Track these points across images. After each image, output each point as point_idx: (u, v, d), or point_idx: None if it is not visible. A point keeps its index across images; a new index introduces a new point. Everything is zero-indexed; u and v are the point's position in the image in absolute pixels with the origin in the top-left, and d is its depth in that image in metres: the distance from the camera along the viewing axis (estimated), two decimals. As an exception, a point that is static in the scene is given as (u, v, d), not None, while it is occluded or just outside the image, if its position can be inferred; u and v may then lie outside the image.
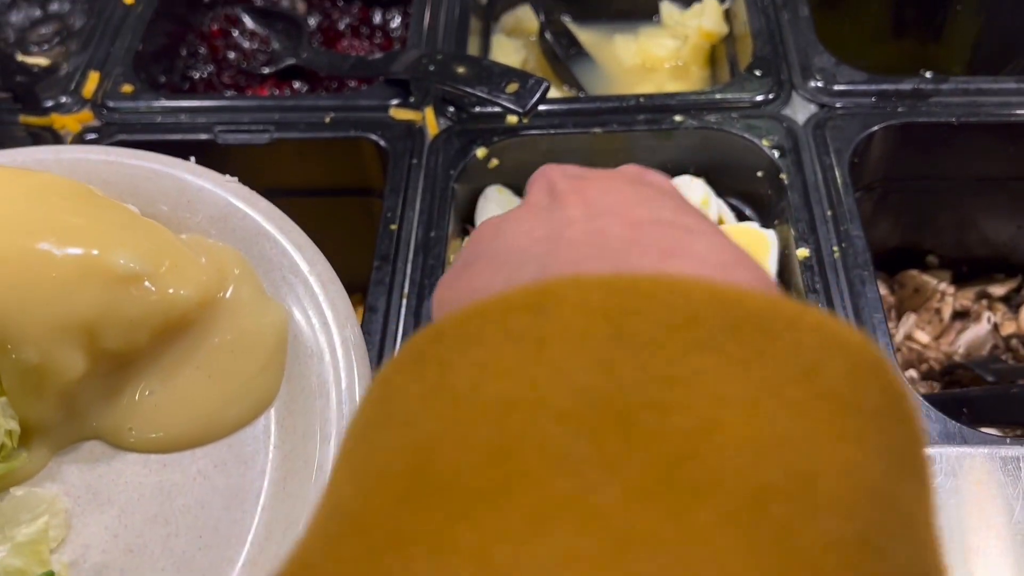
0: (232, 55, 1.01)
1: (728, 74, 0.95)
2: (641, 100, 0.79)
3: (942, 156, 0.79)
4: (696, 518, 0.18)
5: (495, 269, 0.30)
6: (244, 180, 0.86)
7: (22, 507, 0.44)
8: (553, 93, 0.99)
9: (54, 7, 1.10)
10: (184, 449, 0.47)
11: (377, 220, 0.76)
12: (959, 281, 0.89)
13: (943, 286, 0.86)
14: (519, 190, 0.82)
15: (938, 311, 0.86)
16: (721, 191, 0.80)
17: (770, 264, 0.72)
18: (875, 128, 0.76)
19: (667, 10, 1.06)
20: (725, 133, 0.77)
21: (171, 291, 0.48)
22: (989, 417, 0.68)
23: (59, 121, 0.84)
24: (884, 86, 0.79)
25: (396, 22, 1.07)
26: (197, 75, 0.99)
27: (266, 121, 0.82)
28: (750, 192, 0.79)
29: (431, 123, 0.81)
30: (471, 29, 0.93)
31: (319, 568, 0.20)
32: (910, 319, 0.85)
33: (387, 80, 0.84)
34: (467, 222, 0.80)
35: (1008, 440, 0.57)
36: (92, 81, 0.87)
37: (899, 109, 0.77)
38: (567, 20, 1.05)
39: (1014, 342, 0.84)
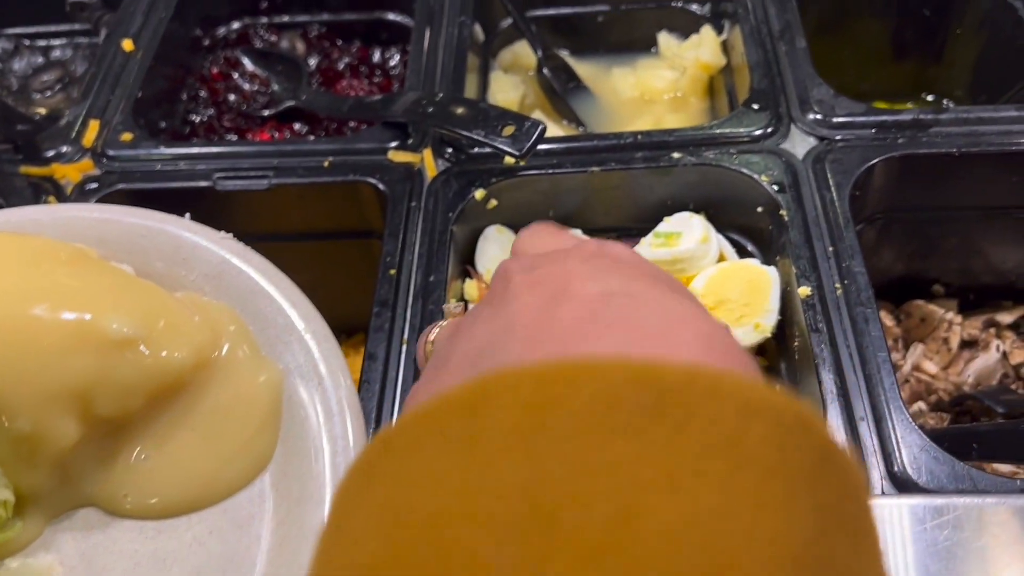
0: (232, 98, 1.02)
1: (727, 105, 0.95)
2: (639, 138, 0.79)
3: (944, 186, 0.78)
4: None
5: (456, 372, 0.30)
6: (244, 225, 0.86)
7: (18, 579, 0.44)
8: (552, 127, 0.99)
9: (56, 54, 1.11)
10: (179, 515, 0.47)
11: (378, 261, 0.76)
12: (966, 309, 0.88)
13: (950, 315, 0.85)
14: (518, 229, 0.82)
15: (946, 340, 0.85)
16: (722, 227, 0.79)
17: (772, 301, 0.71)
18: (875, 160, 0.75)
19: (665, 41, 1.06)
20: (724, 169, 0.76)
21: (165, 354, 0.48)
22: (1000, 453, 0.67)
23: (60, 171, 0.84)
24: (883, 117, 0.78)
25: (395, 60, 1.07)
26: (198, 119, 1.00)
27: (265, 167, 0.82)
28: (751, 227, 0.78)
29: (430, 165, 0.81)
30: (469, 66, 0.93)
31: None
32: (918, 349, 0.84)
33: (385, 122, 0.84)
34: (467, 263, 0.79)
35: (1020, 482, 0.56)
36: (92, 130, 0.87)
37: (899, 140, 0.76)
38: (565, 54, 1.05)
39: (1024, 371, 0.83)
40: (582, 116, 1.00)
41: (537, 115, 0.99)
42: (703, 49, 0.97)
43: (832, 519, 0.22)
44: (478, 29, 0.99)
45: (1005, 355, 0.84)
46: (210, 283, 0.54)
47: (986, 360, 0.83)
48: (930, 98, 1.11)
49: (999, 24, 0.99)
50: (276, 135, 0.97)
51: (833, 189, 0.73)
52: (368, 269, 0.78)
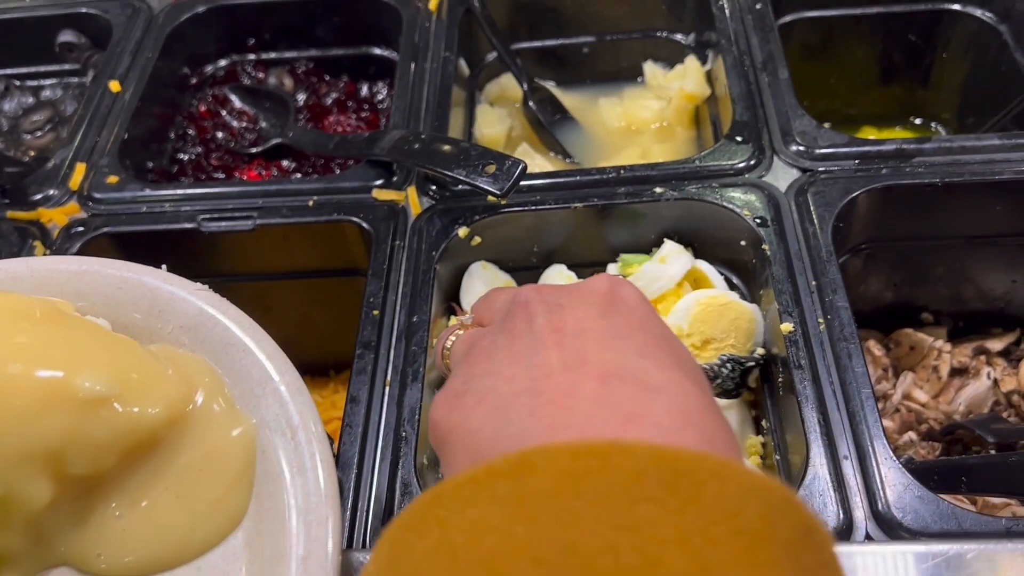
0: (221, 135, 1.02)
1: (712, 135, 0.95)
2: (622, 172, 0.79)
3: (929, 216, 0.78)
4: None
5: (483, 416, 0.36)
6: (230, 266, 0.86)
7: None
8: (539, 160, 0.99)
9: (47, 94, 1.12)
10: (153, 574, 0.47)
11: (364, 299, 0.76)
12: (955, 337, 0.87)
13: (939, 343, 0.85)
14: (503, 265, 0.82)
15: (936, 368, 0.84)
16: (707, 260, 0.79)
17: (757, 340, 0.71)
18: (858, 192, 0.75)
19: (651, 71, 1.06)
20: (706, 203, 0.76)
21: (138, 410, 0.48)
22: (989, 487, 0.67)
23: (46, 215, 0.84)
24: (866, 148, 0.78)
25: (382, 94, 1.08)
26: (186, 157, 1.00)
27: (249, 207, 0.82)
28: (736, 260, 0.78)
29: (414, 202, 0.81)
30: (455, 100, 0.94)
31: None
32: (907, 378, 0.84)
33: (370, 160, 0.85)
34: (452, 300, 0.79)
35: (1005, 520, 0.55)
36: (79, 172, 0.87)
37: (882, 171, 0.76)
38: (551, 85, 1.06)
39: (1015, 398, 0.82)
40: (569, 147, 1.00)
41: (524, 148, 1.00)
42: (688, 79, 0.97)
43: None
44: (463, 64, 1.00)
45: (996, 382, 0.83)
46: (186, 335, 0.54)
47: (977, 388, 0.83)
48: (918, 122, 1.11)
49: (985, 48, 1.00)
50: (264, 172, 0.98)
51: (816, 222, 0.73)
52: (354, 306, 0.78)
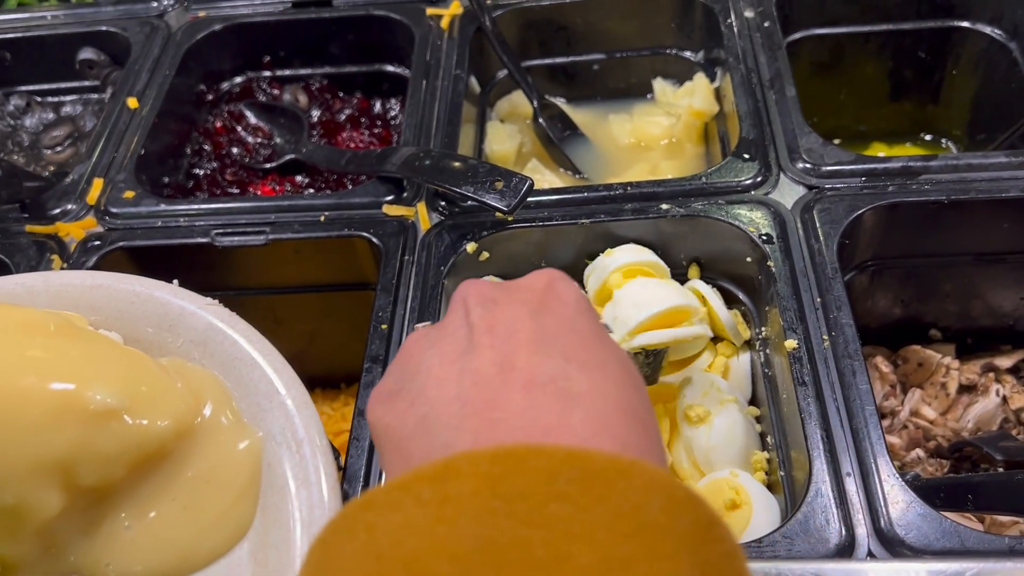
0: (236, 151, 1.04)
1: (720, 151, 0.96)
2: (628, 189, 0.80)
3: (936, 233, 0.78)
4: None
5: (415, 424, 0.37)
6: (242, 279, 0.88)
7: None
8: (549, 176, 1.00)
9: (67, 110, 1.14)
10: (159, 584, 0.48)
11: (373, 313, 0.77)
12: (964, 354, 0.87)
13: (948, 360, 0.85)
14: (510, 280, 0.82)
15: (944, 385, 0.84)
16: (714, 276, 0.80)
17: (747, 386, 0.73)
18: (864, 209, 0.75)
19: (660, 88, 1.07)
20: (712, 220, 0.77)
21: (147, 423, 0.49)
22: (996, 505, 0.67)
23: (64, 229, 0.86)
24: (873, 165, 0.78)
25: (395, 111, 1.09)
26: (201, 172, 1.02)
27: (262, 223, 0.84)
28: (742, 276, 0.78)
29: (424, 218, 0.82)
30: (466, 117, 0.95)
31: None
32: (915, 395, 0.84)
33: (381, 176, 0.86)
34: (460, 316, 0.80)
35: (1008, 539, 0.55)
36: (96, 188, 0.89)
37: (889, 188, 0.77)
38: (562, 102, 1.07)
39: (1024, 415, 0.82)
40: (579, 163, 1.01)
41: (534, 163, 1.01)
42: (696, 97, 0.98)
43: (711, 572, 0.29)
44: (474, 81, 1.01)
45: (1005, 400, 0.83)
46: (196, 349, 0.55)
47: (985, 405, 0.83)
48: (928, 138, 1.11)
49: (994, 64, 1.00)
50: (278, 188, 0.99)
51: (821, 239, 0.73)
52: (364, 320, 0.79)
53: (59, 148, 1.10)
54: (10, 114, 1.13)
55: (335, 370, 1.01)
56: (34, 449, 0.46)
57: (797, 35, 0.99)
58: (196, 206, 0.86)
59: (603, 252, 0.79)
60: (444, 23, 1.02)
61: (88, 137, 1.08)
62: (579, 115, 1.06)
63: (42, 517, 0.47)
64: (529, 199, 0.74)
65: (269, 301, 0.90)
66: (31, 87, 1.14)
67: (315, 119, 1.07)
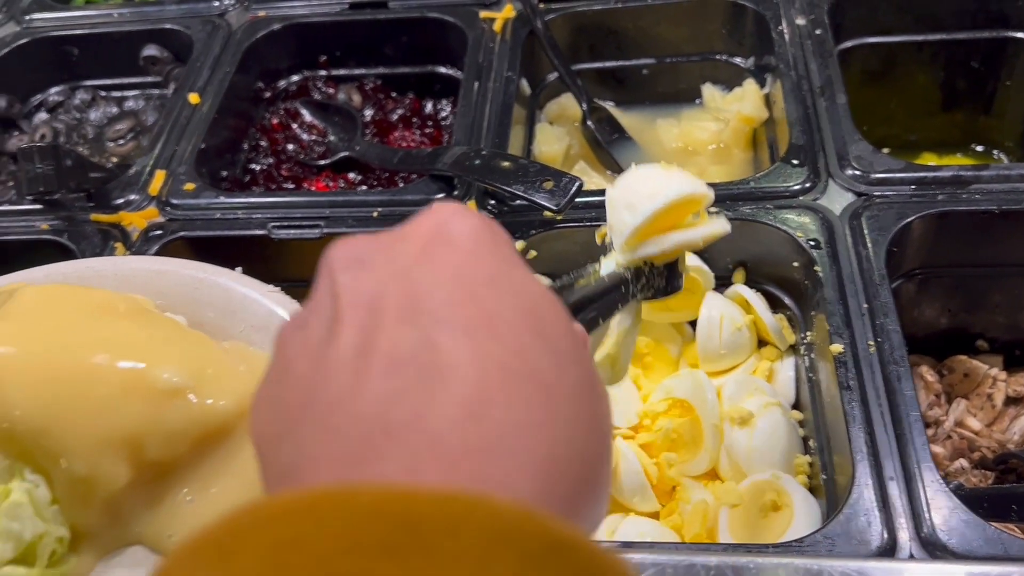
0: (291, 147, 1.07)
1: (768, 157, 0.96)
2: (676, 192, 0.81)
3: (986, 243, 0.78)
4: None
5: (269, 436, 0.31)
6: (297, 272, 0.90)
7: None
8: (596, 178, 1.01)
9: (129, 104, 1.18)
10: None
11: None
12: (1012, 366, 0.87)
13: (995, 371, 0.84)
14: (556, 279, 0.84)
15: (990, 397, 0.84)
16: (760, 280, 0.80)
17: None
18: (913, 217, 0.75)
19: (709, 93, 1.07)
20: (760, 224, 0.77)
21: (211, 402, 0.51)
22: (1040, 516, 0.66)
23: (127, 219, 0.89)
24: (923, 173, 0.79)
25: (446, 111, 1.11)
26: (258, 168, 1.05)
27: (317, 216, 0.86)
28: (788, 280, 0.79)
29: (473, 216, 0.84)
30: (515, 119, 0.96)
31: None
32: (960, 405, 0.83)
33: (433, 174, 0.88)
34: (507, 313, 0.82)
35: (1051, 547, 0.55)
36: (158, 179, 0.92)
37: (939, 197, 0.77)
38: (610, 105, 1.08)
39: (1072, 430, 0.81)
40: (626, 167, 1.02)
41: (581, 165, 1.02)
42: (746, 102, 0.99)
43: None
44: (524, 83, 1.03)
45: (1053, 413, 0.82)
46: (258, 334, 0.57)
47: (1033, 418, 0.82)
48: (980, 149, 1.10)
49: (1049, 76, 0.99)
50: (331, 184, 1.02)
51: (869, 246, 0.74)
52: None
53: (122, 141, 1.14)
54: (76, 107, 1.17)
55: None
56: (105, 423, 0.48)
57: (849, 43, 0.99)
58: (253, 199, 0.89)
59: (648, 254, 0.80)
60: (497, 26, 1.04)
61: (149, 131, 1.12)
62: (627, 119, 1.07)
63: (111, 488, 0.49)
64: (577, 199, 0.76)
65: (320, 294, 0.92)
66: (96, 82, 1.18)
67: (368, 118, 1.09)
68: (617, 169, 1.01)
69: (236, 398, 0.52)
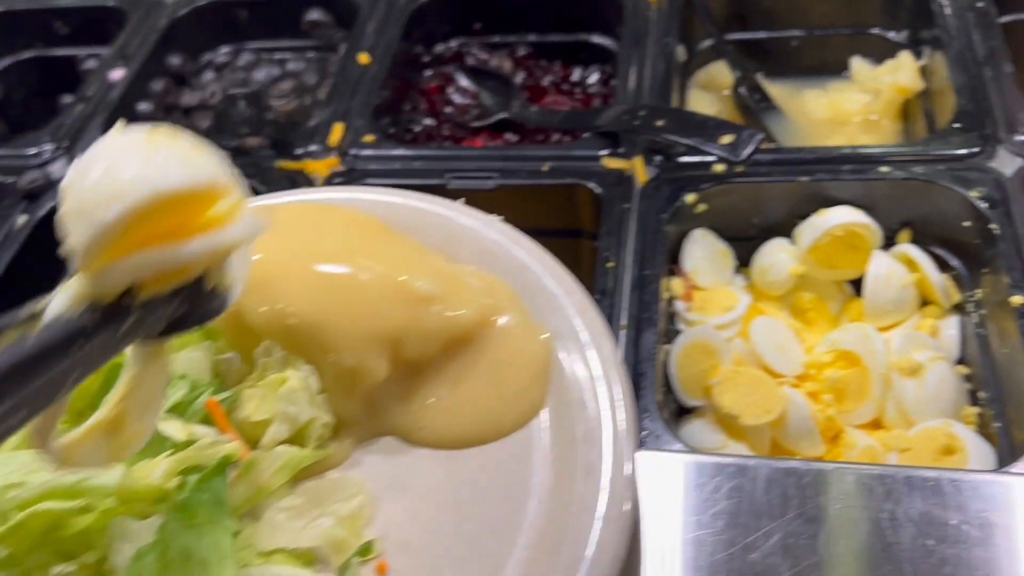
0: (448, 110, 1.12)
1: (923, 128, 0.98)
2: (845, 151, 0.84)
3: None
4: None
5: None
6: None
7: (339, 488, 0.52)
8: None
9: (291, 66, 1.25)
10: (467, 447, 0.55)
11: (584, 260, 0.83)
12: None
13: None
14: (722, 234, 0.87)
15: None
16: (926, 240, 0.82)
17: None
18: (1087, 180, 0.77)
19: (858, 66, 1.09)
20: (932, 184, 0.80)
21: (456, 310, 0.56)
22: None
23: (310, 166, 0.96)
24: (1095, 139, 0.80)
25: (594, 79, 1.15)
26: (417, 128, 1.11)
27: (490, 169, 0.91)
28: (955, 241, 0.81)
29: (640, 171, 0.88)
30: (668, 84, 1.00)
31: None
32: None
33: (598, 132, 0.92)
34: (673, 262, 0.86)
35: None
36: (337, 131, 0.98)
37: (1112, 162, 0.78)
38: (757, 76, 1.11)
39: None
40: (774, 135, 1.05)
41: (731, 132, 1.05)
42: (901, 73, 1.00)
43: None
44: (681, 50, 1.06)
45: None
46: (482, 258, 0.62)
47: None
48: None
49: None
50: (490, 143, 1.07)
51: (1043, 206, 0.75)
52: (578, 264, 0.85)
53: (284, 100, 1.20)
54: (241, 68, 1.24)
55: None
56: (371, 323, 0.54)
57: (1010, 17, 1.00)
58: (430, 152, 0.95)
59: (815, 213, 0.83)
60: (653, -5, 1.07)
61: (312, 92, 1.19)
62: (773, 89, 1.10)
63: (372, 381, 0.55)
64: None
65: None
66: (259, 44, 1.25)
67: (519, 84, 1.14)
68: (768, 136, 1.04)
69: (476, 308, 0.57)
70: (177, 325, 0.40)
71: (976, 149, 0.82)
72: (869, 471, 0.55)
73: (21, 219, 0.97)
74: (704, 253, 0.86)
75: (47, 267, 1.01)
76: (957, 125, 0.84)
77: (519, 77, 1.15)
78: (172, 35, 1.20)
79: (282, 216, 0.59)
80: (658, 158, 0.88)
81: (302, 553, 0.50)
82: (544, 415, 0.55)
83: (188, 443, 0.50)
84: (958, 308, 0.81)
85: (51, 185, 1.00)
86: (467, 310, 0.57)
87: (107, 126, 1.06)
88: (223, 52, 1.25)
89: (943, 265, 0.83)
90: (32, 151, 1.05)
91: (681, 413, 0.80)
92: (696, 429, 0.78)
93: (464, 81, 1.15)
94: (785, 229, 0.86)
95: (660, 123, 0.85)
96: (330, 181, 0.94)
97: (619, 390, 0.53)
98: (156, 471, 0.48)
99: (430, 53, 1.17)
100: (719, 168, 0.85)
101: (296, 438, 0.54)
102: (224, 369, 0.57)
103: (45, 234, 0.97)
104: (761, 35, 1.11)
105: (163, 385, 0.42)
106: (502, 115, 1.08)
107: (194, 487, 0.47)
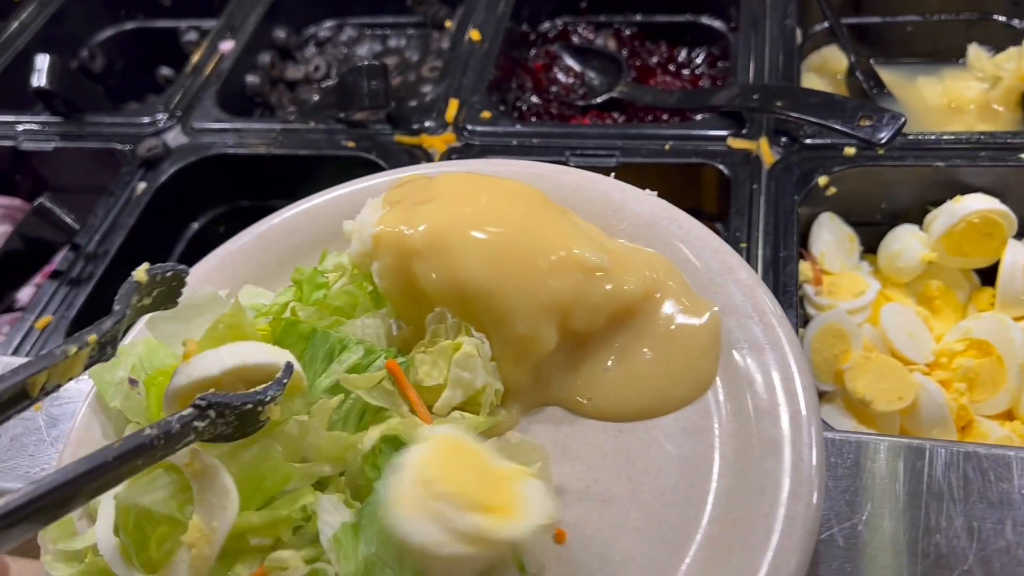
0: (554, 88, 1.12)
1: (1049, 116, 0.96)
2: (982, 137, 0.82)
3: None
4: None
5: None
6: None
7: (520, 451, 0.52)
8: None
9: (392, 43, 1.25)
10: (635, 420, 0.55)
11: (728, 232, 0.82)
12: None
13: None
14: (849, 218, 0.86)
15: None
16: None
17: None
18: None
19: (975, 52, 1.07)
20: (1076, 172, 0.78)
21: (621, 284, 0.56)
22: None
23: (428, 141, 0.96)
24: None
25: (700, 59, 1.14)
26: (524, 106, 1.10)
27: (610, 147, 0.91)
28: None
29: (766, 152, 0.87)
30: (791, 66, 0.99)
31: None
32: None
33: (720, 113, 0.91)
34: (802, 245, 0.85)
35: None
36: (452, 107, 0.99)
37: None
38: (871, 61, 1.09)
39: None
40: (888, 120, 1.03)
41: (846, 117, 1.03)
42: (1026, 60, 0.98)
43: None
44: (798, 32, 1.04)
45: None
46: (640, 232, 0.62)
47: None
48: None
49: None
50: (598, 123, 1.06)
51: None
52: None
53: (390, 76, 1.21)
54: (343, 43, 1.25)
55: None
56: (544, 292, 0.54)
57: None
58: (548, 128, 0.94)
59: (949, 199, 0.81)
60: (769, -24, 1.06)
61: (414, 67, 1.19)
62: (885, 75, 1.08)
63: (542, 350, 0.55)
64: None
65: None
66: (362, 19, 1.26)
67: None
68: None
69: (639, 282, 0.57)
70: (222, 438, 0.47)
71: (1120, 137, 0.80)
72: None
73: (140, 186, 0.98)
74: (832, 237, 0.85)
75: (167, 232, 1.03)
76: (1098, 113, 0.82)
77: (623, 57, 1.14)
78: (277, 8, 1.21)
79: (449, 184, 0.60)
80: (783, 139, 0.87)
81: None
82: (719, 389, 0.55)
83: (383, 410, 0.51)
84: (1097, 298, 0.79)
85: (168, 153, 1.02)
86: (633, 284, 0.56)
87: (218, 97, 1.08)
88: (326, 27, 1.26)
89: (1080, 254, 0.81)
90: (146, 120, 1.06)
91: (811, 397, 0.79)
92: (826, 414, 0.78)
93: (569, 60, 1.14)
94: (912, 215, 0.85)
95: (779, 103, 0.84)
96: (447, 157, 0.94)
97: (794, 368, 0.52)
98: (366, 440, 0.49)
99: (536, 31, 1.17)
100: (850, 151, 0.84)
101: (469, 404, 0.54)
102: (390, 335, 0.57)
103: (164, 199, 0.99)
104: (875, 20, 1.10)
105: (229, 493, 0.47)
106: (610, 95, 1.07)
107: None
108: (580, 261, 0.55)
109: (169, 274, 0.52)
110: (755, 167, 0.86)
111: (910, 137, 0.84)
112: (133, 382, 0.54)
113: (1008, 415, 0.78)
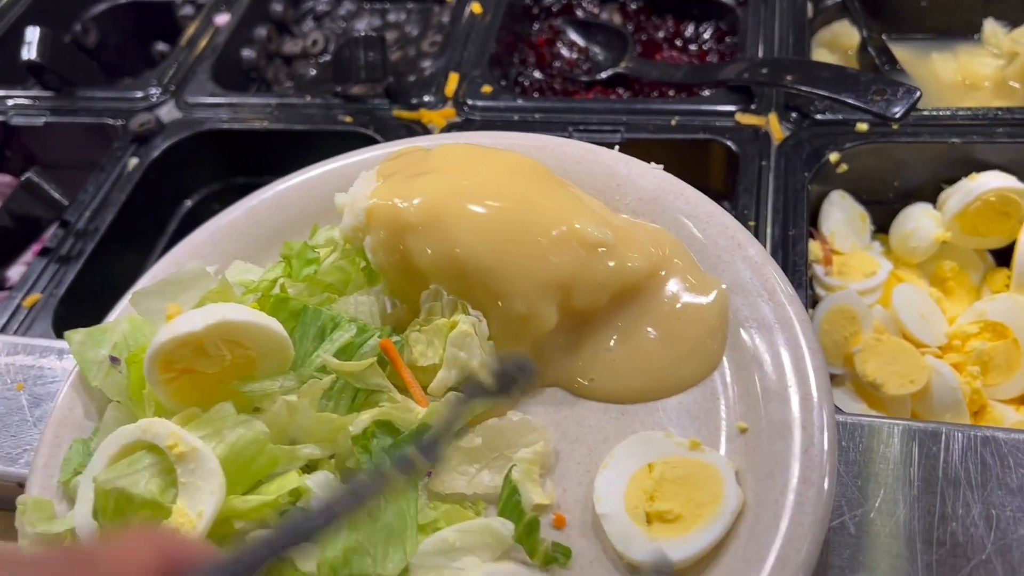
0: (557, 64, 1.09)
1: (1070, 92, 0.93)
2: (999, 113, 0.79)
3: None
4: None
5: None
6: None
7: (521, 431, 0.50)
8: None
9: (391, 17, 1.22)
10: (638, 402, 0.53)
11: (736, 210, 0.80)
12: None
13: None
14: (859, 197, 0.84)
15: None
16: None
17: None
18: None
19: (991, 28, 1.04)
20: (1096, 149, 0.75)
21: (624, 260, 0.54)
22: None
23: (427, 116, 0.93)
24: None
25: (708, 34, 1.11)
26: (526, 81, 1.08)
27: (615, 123, 0.88)
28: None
29: (775, 128, 0.84)
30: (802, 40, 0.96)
31: None
32: None
33: (728, 88, 0.88)
34: (811, 224, 0.82)
35: None
36: (452, 81, 0.96)
37: None
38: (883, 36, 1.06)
39: None
40: (901, 97, 1.00)
41: (857, 93, 1.01)
42: (1046, 35, 0.95)
43: None
44: (809, 6, 1.02)
45: None
46: (646, 206, 0.59)
47: None
48: None
49: None
50: (602, 98, 1.03)
51: None
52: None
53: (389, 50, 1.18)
54: (342, 17, 1.22)
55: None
56: (544, 268, 0.52)
57: None
58: (551, 103, 0.92)
59: (964, 177, 0.79)
60: (779, -52, 1.03)
61: (414, 42, 1.16)
62: (898, 50, 1.05)
63: (542, 329, 0.53)
64: (890, 115, 0.75)
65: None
66: (360, -7, 1.23)
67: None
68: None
69: (644, 258, 0.55)
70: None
71: None
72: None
73: (132, 161, 0.96)
74: (843, 216, 0.83)
75: (160, 210, 1.01)
76: (1120, 88, 0.79)
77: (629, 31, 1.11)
78: (275, -19, 1.18)
79: (447, 156, 0.58)
80: (793, 115, 0.85)
81: (478, 499, 0.49)
82: (726, 370, 0.52)
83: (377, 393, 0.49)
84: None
85: (161, 128, 0.99)
86: (638, 260, 0.54)
87: (213, 71, 1.05)
88: (324, 0, 1.23)
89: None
90: (139, 94, 1.04)
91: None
92: (835, 398, 0.75)
93: (573, 35, 1.11)
94: (925, 193, 0.83)
95: (789, 77, 0.82)
96: (447, 132, 0.91)
97: (805, 348, 0.50)
98: (357, 423, 0.47)
99: (539, 5, 1.14)
100: (862, 127, 0.81)
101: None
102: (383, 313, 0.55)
103: (156, 176, 0.96)
104: (890, -7, 1.06)
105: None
106: (615, 70, 1.05)
107: (387, 451, 0.46)
108: (582, 236, 0.53)
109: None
110: (764, 143, 0.83)
111: (924, 113, 0.81)
112: (114, 360, 0.52)
113: (1022, 399, 0.76)
